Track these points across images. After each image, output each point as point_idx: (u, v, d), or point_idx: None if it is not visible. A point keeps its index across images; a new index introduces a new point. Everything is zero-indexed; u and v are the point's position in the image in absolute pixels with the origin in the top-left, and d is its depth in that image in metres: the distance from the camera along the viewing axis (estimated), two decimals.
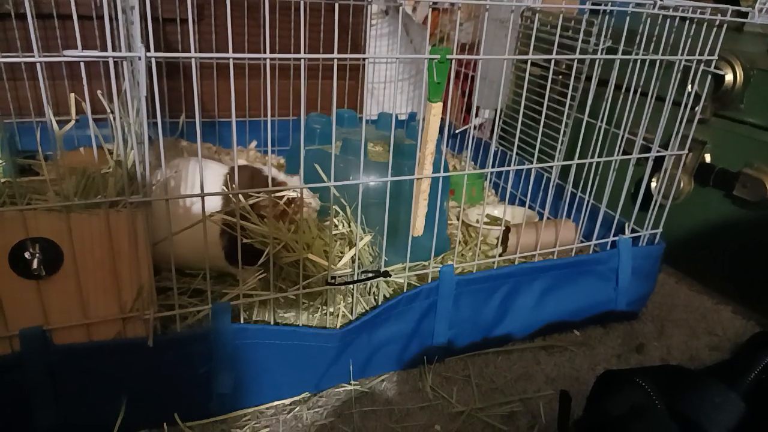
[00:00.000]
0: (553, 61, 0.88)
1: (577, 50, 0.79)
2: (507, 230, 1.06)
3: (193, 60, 0.55)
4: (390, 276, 0.76)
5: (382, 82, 1.62)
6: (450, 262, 0.99)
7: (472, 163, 1.46)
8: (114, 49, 0.52)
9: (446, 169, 0.99)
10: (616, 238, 0.93)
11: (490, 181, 1.37)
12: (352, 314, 0.78)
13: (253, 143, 1.45)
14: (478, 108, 1.52)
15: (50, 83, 1.22)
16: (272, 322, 0.74)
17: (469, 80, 1.54)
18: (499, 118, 1.42)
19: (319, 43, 1.40)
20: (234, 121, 0.58)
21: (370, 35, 1.52)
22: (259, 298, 0.71)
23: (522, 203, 1.26)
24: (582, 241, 1.00)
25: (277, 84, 1.37)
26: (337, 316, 0.78)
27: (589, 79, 0.91)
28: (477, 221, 1.20)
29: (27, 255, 0.57)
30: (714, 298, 1.09)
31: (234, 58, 0.56)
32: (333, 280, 0.73)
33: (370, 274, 0.75)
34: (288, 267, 0.78)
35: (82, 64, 0.52)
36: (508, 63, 1.32)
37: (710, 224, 1.10)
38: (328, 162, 0.89)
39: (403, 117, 1.29)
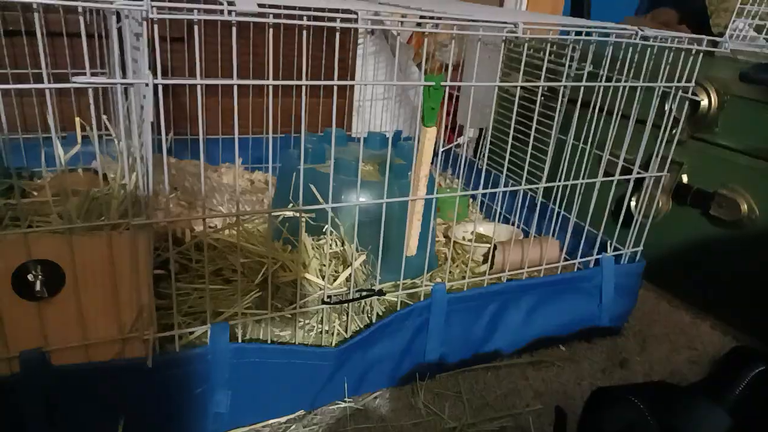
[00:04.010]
0: (540, 86, 0.91)
1: (564, 76, 0.83)
2: (494, 248, 1.09)
3: (198, 86, 0.56)
4: (384, 294, 0.78)
5: (368, 100, 1.65)
6: (439, 280, 1.02)
7: (457, 180, 1.49)
8: (109, 69, 0.53)
9: (436, 189, 1.01)
10: (600, 256, 0.96)
11: (476, 199, 1.40)
12: (346, 332, 0.79)
13: (239, 160, 1.46)
14: (462, 127, 1.56)
15: (40, 99, 1.21)
16: (268, 341, 0.75)
17: (453, 100, 1.57)
18: (486, 138, 1.46)
19: (308, 62, 1.42)
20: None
21: (358, 56, 1.55)
22: (256, 318, 0.72)
23: (505, 220, 1.28)
24: (566, 259, 1.03)
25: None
26: (332, 334, 0.79)
27: (571, 101, 0.95)
28: (463, 238, 1.23)
29: (30, 277, 0.57)
30: (692, 313, 1.12)
31: (237, 84, 0.58)
32: (329, 299, 0.74)
33: (365, 293, 0.76)
34: (283, 286, 0.79)
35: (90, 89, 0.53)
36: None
37: (688, 242, 1.14)
38: (319, 181, 0.91)
39: (388, 135, 1.32)
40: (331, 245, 0.86)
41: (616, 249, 0.99)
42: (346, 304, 0.77)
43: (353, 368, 0.78)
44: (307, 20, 0.58)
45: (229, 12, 0.52)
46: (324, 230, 0.88)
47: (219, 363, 0.68)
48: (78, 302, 0.61)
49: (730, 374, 0.53)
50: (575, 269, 1.00)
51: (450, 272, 1.08)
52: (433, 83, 0.65)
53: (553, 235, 1.10)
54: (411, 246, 0.76)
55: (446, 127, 1.64)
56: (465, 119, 1.47)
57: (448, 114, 1.60)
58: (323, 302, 0.74)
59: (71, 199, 0.63)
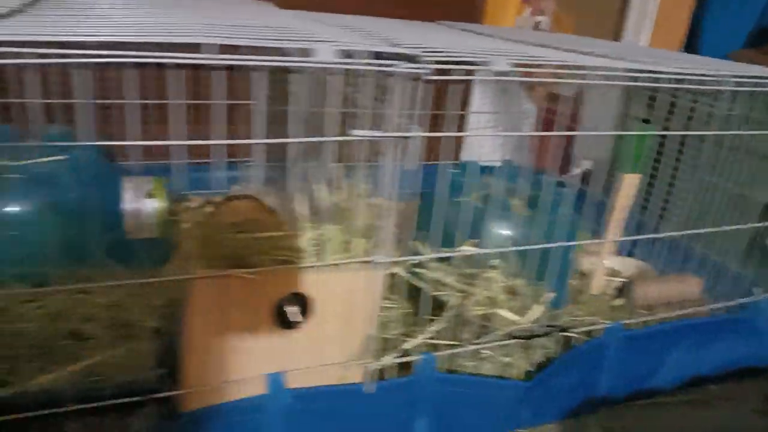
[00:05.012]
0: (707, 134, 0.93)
1: (737, 127, 0.85)
2: (630, 283, 1.10)
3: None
4: (567, 331, 0.81)
5: (475, 128, 1.69)
6: (617, 320, 1.03)
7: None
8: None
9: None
10: (761, 298, 0.97)
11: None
12: (529, 365, 0.83)
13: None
14: (575, 158, 1.58)
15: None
16: (462, 372, 0.79)
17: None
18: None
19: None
20: None
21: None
22: (457, 350, 0.76)
23: (628, 253, 1.29)
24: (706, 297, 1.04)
25: None
26: (514, 366, 0.82)
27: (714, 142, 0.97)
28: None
29: (287, 308, 0.63)
30: None
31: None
32: (517, 334, 0.78)
33: (550, 328, 0.80)
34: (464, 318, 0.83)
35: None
36: (612, 114, 1.38)
37: None
38: (467, 214, 0.94)
39: (496, 163, 1.33)
40: (501, 279, 0.89)
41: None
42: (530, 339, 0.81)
43: (533, 400, 0.81)
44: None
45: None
46: (491, 264, 0.91)
47: (425, 391, 0.72)
48: (319, 331, 0.66)
49: None
50: (725, 309, 1.01)
51: (583, 304, 1.09)
52: (648, 132, 0.69)
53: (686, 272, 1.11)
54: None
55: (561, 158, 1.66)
56: (580, 148, 1.49)
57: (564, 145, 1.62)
58: (513, 337, 0.78)
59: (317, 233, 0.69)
